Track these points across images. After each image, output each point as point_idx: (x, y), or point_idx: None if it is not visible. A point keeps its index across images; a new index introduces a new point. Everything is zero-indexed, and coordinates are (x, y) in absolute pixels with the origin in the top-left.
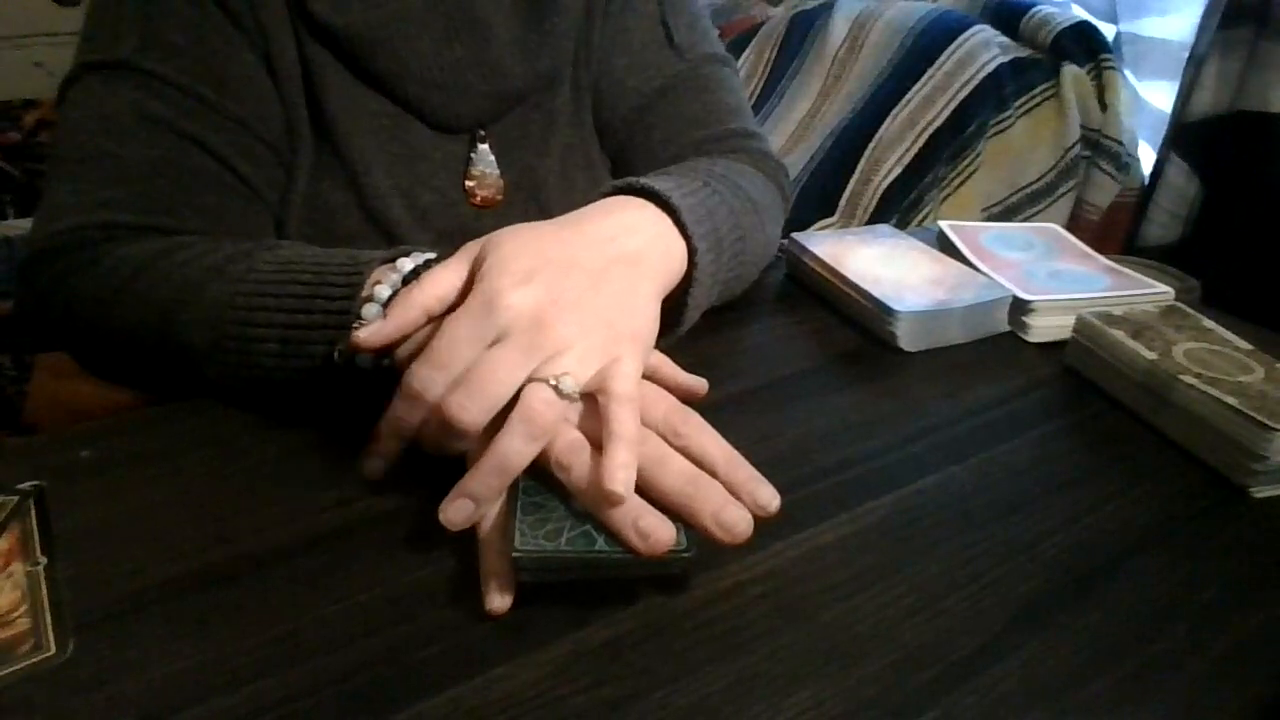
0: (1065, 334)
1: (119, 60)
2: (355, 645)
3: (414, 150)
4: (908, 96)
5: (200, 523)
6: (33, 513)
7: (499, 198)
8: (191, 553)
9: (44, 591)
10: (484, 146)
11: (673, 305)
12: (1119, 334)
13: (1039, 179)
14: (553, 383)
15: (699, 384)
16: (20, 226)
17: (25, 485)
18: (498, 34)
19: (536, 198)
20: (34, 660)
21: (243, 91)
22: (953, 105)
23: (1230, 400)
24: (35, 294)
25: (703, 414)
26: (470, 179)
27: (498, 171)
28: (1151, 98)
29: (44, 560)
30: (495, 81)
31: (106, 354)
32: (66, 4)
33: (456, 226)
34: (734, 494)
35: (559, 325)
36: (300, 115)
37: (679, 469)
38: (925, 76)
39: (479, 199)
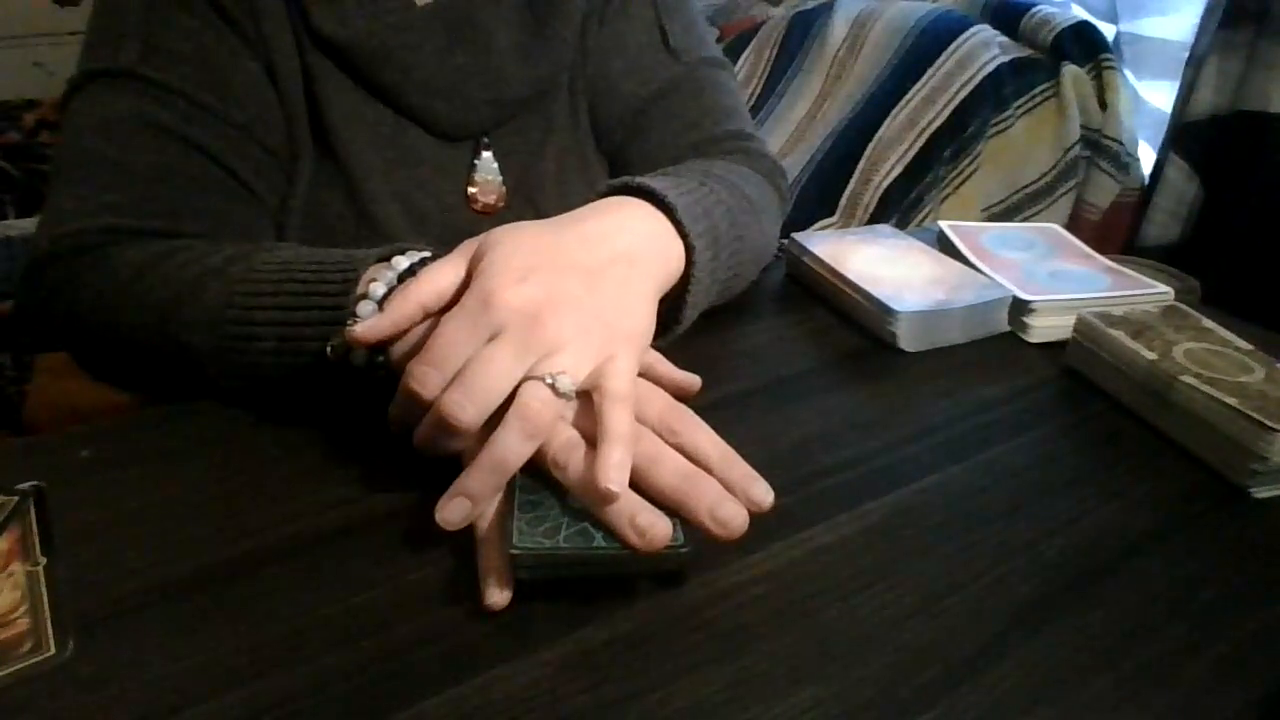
0: (1065, 334)
1: (122, 69)
2: (355, 645)
3: (414, 157)
4: (908, 96)
5: (200, 523)
6: (33, 513)
7: (500, 204)
8: (191, 553)
9: (44, 591)
10: (487, 154)
11: (671, 305)
12: (1119, 334)
13: (1039, 179)
14: (549, 381)
15: (692, 381)
16: (20, 226)
17: (25, 485)
18: (499, 42)
19: (533, 202)
20: (34, 660)
21: (245, 99)
22: (953, 105)
23: (1230, 400)
24: (38, 297)
25: (702, 414)
26: (473, 185)
27: (500, 178)
28: (1151, 98)
29: (44, 560)
30: (497, 89)
31: (108, 355)
32: (66, 4)
33: (455, 233)
34: (729, 490)
35: (555, 323)
36: (301, 123)
37: (674, 466)
38: (925, 76)
39: (480, 205)
